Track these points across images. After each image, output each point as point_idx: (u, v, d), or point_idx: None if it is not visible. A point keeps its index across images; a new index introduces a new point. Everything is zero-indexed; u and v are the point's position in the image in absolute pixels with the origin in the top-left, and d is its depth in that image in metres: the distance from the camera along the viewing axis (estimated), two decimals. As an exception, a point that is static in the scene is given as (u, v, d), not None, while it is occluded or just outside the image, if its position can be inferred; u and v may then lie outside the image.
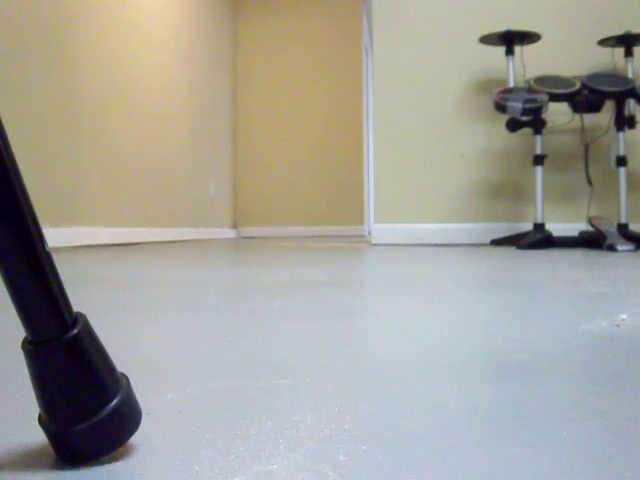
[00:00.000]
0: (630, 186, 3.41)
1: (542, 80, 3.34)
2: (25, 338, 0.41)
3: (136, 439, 0.43)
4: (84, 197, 3.85)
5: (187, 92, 5.61)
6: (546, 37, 3.50)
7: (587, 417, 0.48)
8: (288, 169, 6.82)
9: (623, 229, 3.20)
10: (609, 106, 3.34)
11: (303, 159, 6.82)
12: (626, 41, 3.38)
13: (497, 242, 3.53)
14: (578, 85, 3.27)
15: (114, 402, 0.40)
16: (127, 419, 0.41)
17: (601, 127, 3.49)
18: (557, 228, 3.37)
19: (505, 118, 3.35)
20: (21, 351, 0.41)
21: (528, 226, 3.45)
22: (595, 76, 3.31)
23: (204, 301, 1.21)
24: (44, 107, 3.47)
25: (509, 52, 3.46)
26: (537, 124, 3.30)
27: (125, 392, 0.41)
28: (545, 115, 3.31)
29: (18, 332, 0.41)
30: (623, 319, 0.94)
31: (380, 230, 3.74)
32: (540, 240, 3.20)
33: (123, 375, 0.43)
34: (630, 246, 2.91)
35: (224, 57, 6.66)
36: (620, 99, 3.28)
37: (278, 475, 0.38)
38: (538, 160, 3.31)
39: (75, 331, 0.40)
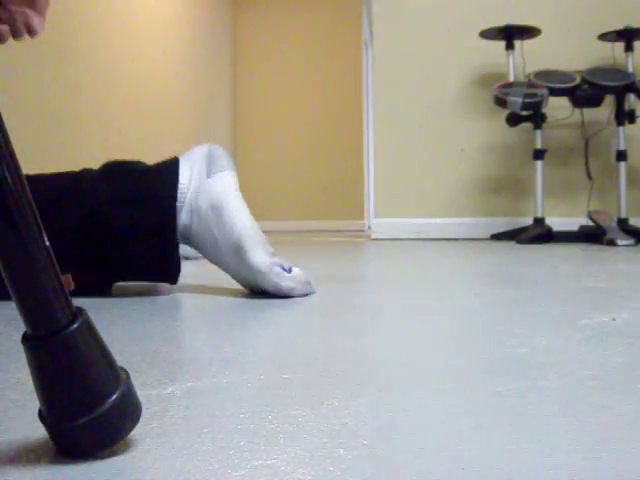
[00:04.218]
0: (630, 181, 3.40)
1: (542, 74, 3.33)
2: (25, 332, 0.41)
3: (136, 433, 0.43)
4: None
5: (187, 86, 5.60)
6: (546, 32, 3.49)
7: (586, 411, 0.49)
8: (288, 164, 6.82)
9: (623, 224, 3.20)
10: (609, 100, 3.34)
11: (303, 154, 6.81)
12: (626, 35, 3.37)
13: (497, 237, 3.53)
14: (578, 79, 3.26)
15: (114, 397, 0.40)
16: (127, 414, 0.41)
17: (601, 121, 3.48)
18: (557, 222, 3.37)
19: (505, 112, 3.34)
20: (21, 345, 0.41)
21: (528, 220, 3.44)
22: (595, 70, 3.30)
23: (205, 295, 1.21)
24: (43, 96, 3.47)
25: (509, 46, 3.45)
26: (537, 119, 3.29)
27: (125, 387, 0.41)
28: (545, 109, 3.30)
29: (18, 326, 0.41)
30: (614, 318, 0.94)
31: (380, 225, 3.74)
32: (540, 234, 3.19)
33: (123, 370, 0.43)
34: (630, 241, 2.91)
35: (223, 50, 6.65)
36: (620, 93, 3.27)
37: (278, 469, 0.38)
38: (538, 155, 3.31)
39: (75, 326, 0.40)
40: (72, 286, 1.09)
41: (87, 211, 1.15)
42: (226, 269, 1.19)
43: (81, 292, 1.13)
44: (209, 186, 1.15)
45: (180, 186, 1.16)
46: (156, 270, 1.21)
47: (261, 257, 1.13)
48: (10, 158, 0.39)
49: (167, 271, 1.21)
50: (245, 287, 1.22)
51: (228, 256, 1.15)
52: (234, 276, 1.19)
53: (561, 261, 2.01)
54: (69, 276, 1.08)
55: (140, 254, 1.18)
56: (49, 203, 1.14)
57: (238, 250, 1.13)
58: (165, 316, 0.97)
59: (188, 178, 1.17)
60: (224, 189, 1.16)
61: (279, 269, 1.13)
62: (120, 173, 1.20)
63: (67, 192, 1.17)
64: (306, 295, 1.16)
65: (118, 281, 1.26)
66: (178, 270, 1.22)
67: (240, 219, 1.14)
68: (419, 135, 3.75)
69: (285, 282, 1.13)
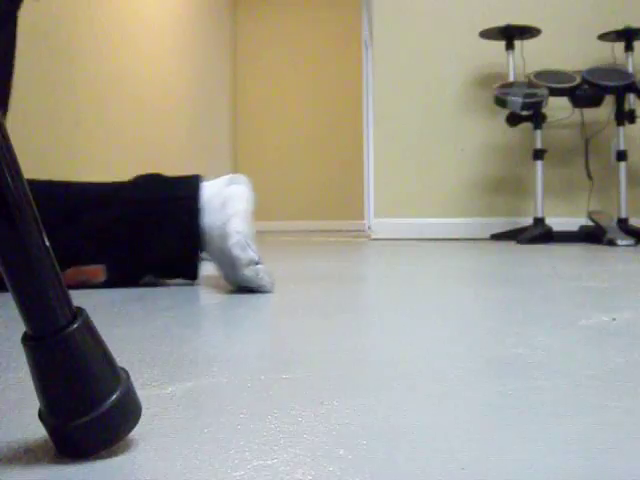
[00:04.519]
0: (630, 181, 3.40)
1: (542, 75, 3.33)
2: (25, 333, 0.41)
3: (136, 433, 0.43)
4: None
5: (187, 86, 5.60)
6: (546, 32, 3.49)
7: (586, 411, 0.49)
8: (288, 164, 6.82)
9: (623, 224, 3.20)
10: (609, 101, 3.34)
11: (303, 154, 6.81)
12: (626, 35, 3.37)
13: (497, 237, 3.53)
14: (578, 80, 3.26)
15: (114, 397, 0.40)
16: (127, 413, 0.41)
17: (601, 122, 3.48)
18: (557, 222, 3.37)
19: (505, 113, 3.34)
20: (21, 345, 0.41)
21: (528, 221, 3.44)
22: (595, 70, 3.30)
23: (205, 296, 1.21)
24: (43, 96, 3.47)
25: (509, 47, 3.45)
26: (537, 119, 3.29)
27: (125, 387, 0.41)
28: (545, 109, 3.30)
29: (19, 326, 0.41)
30: (614, 318, 0.94)
31: (380, 225, 3.74)
32: (540, 235, 3.19)
33: (123, 370, 0.43)
34: (630, 241, 2.91)
35: (223, 50, 6.64)
36: (620, 94, 3.27)
37: (278, 469, 0.38)
38: (538, 155, 3.31)
39: (75, 326, 0.40)
40: (103, 277, 1.27)
41: (124, 209, 1.32)
42: (214, 258, 1.29)
43: (112, 284, 1.29)
44: (223, 192, 1.31)
45: (202, 190, 1.32)
46: (180, 264, 1.36)
47: (237, 226, 1.23)
48: (10, 158, 0.39)
49: (189, 265, 1.36)
50: (228, 279, 1.28)
51: (217, 240, 1.26)
52: (220, 263, 1.28)
53: (561, 261, 2.01)
54: (103, 267, 1.27)
55: (168, 248, 1.34)
56: (91, 203, 1.32)
57: (224, 226, 1.24)
58: (165, 316, 0.97)
59: (209, 186, 1.33)
60: (235, 193, 1.30)
61: (244, 241, 1.21)
62: (152, 180, 1.39)
63: (107, 193, 1.35)
64: (263, 290, 1.23)
65: (146, 274, 1.37)
66: (198, 265, 1.35)
67: (238, 207, 1.26)
68: (419, 135, 3.75)
69: (246, 257, 1.21)
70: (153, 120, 4.94)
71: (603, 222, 3.11)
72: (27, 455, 0.41)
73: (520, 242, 3.14)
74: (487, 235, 3.61)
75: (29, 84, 3.33)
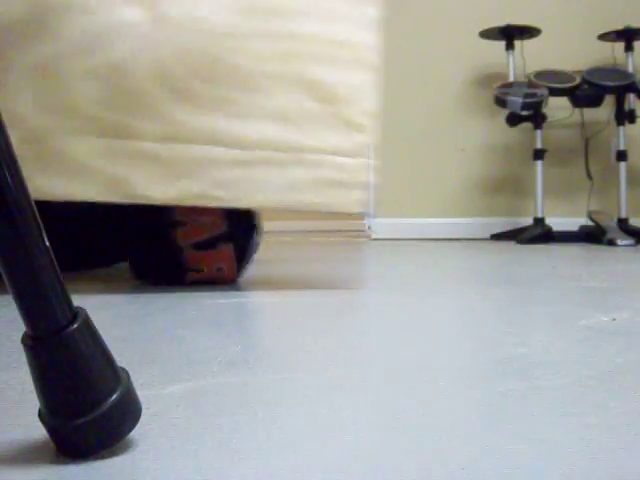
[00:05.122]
0: (630, 181, 3.39)
1: (542, 74, 3.33)
2: (25, 333, 0.41)
3: (136, 434, 0.43)
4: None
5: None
6: (546, 32, 3.49)
7: (586, 412, 0.49)
8: (288, 164, 6.82)
9: (623, 224, 3.19)
10: (609, 101, 3.33)
11: (303, 154, 6.81)
12: (626, 35, 3.36)
13: (497, 237, 3.52)
14: (578, 80, 3.26)
15: (114, 397, 0.40)
16: (127, 414, 0.41)
17: (601, 121, 3.47)
18: (557, 222, 3.36)
19: (505, 113, 3.34)
20: (21, 345, 0.41)
21: (528, 220, 3.44)
22: (595, 71, 3.29)
23: (205, 296, 1.21)
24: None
25: (509, 47, 3.45)
26: (537, 118, 3.29)
27: (125, 387, 0.41)
28: (545, 109, 3.30)
29: (19, 326, 0.41)
30: (614, 318, 0.94)
31: (380, 225, 3.73)
32: (540, 235, 3.19)
33: (123, 370, 0.43)
34: (630, 241, 2.90)
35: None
36: (620, 94, 3.27)
37: (278, 470, 0.38)
38: (538, 154, 3.30)
39: (75, 326, 0.40)
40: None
41: None
42: None
43: None
44: None
45: None
46: None
47: None
48: (10, 158, 0.39)
49: None
50: None
51: None
52: None
53: (561, 261, 2.01)
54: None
55: None
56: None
57: None
58: (165, 316, 0.97)
59: None
60: None
61: None
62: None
63: None
64: None
65: None
66: None
67: None
68: (419, 135, 3.75)
69: None
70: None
71: (603, 222, 3.11)
72: (27, 455, 0.41)
73: (520, 242, 3.14)
74: (487, 235, 3.61)
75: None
